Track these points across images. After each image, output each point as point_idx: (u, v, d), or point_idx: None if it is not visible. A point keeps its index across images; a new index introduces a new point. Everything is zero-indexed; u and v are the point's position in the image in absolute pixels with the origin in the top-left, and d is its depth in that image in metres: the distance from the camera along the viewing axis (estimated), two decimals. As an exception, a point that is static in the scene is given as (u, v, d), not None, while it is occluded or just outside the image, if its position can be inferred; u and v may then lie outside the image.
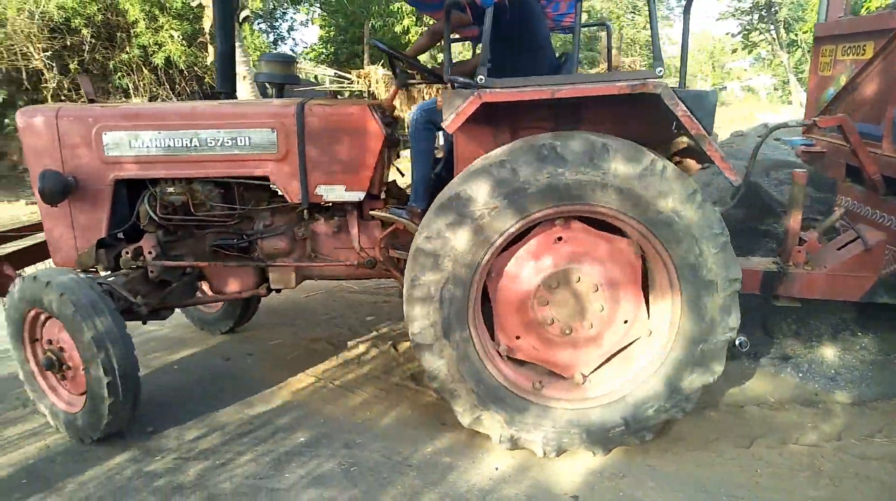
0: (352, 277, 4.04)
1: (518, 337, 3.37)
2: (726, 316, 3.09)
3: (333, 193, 3.72)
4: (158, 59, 14.04)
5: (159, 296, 3.88)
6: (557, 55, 4.14)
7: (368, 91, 14.57)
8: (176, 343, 5.02)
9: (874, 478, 3.15)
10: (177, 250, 3.95)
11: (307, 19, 23.92)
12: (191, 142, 3.69)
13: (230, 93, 4.29)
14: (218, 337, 5.12)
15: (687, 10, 3.18)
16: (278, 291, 4.13)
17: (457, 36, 5.01)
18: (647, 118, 3.09)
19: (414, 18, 17.49)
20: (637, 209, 2.98)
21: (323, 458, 3.37)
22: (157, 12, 13.70)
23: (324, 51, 21.39)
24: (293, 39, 33.71)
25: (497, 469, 3.27)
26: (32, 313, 3.51)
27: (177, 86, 14.97)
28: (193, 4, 11.51)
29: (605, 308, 3.25)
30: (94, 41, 13.92)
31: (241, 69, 9.95)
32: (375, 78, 14.58)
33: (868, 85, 4.12)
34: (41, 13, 13.02)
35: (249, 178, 3.80)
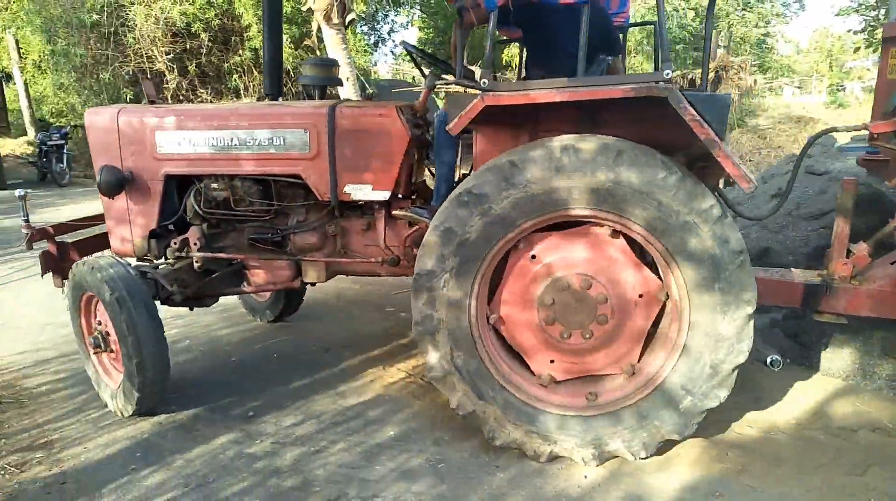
0: (378, 273, 4.13)
1: (552, 361, 3.34)
2: (725, 244, 2.90)
3: (360, 192, 3.82)
4: (268, 61, 14.75)
5: (202, 285, 4.11)
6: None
7: (465, 91, 14.66)
8: (277, 332, 5.28)
9: None
10: (219, 242, 4.17)
11: (407, 21, 24.36)
12: (231, 141, 3.88)
13: (275, 96, 4.48)
14: (317, 329, 5.33)
15: (710, 10, 3.01)
16: (313, 284, 4.28)
17: (504, 38, 4.98)
18: (666, 121, 2.90)
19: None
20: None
21: (412, 453, 3.44)
22: (268, 16, 14.39)
23: (422, 52, 21.71)
24: (393, 41, 34.47)
25: (586, 477, 3.21)
26: (86, 296, 3.81)
27: (283, 86, 15.68)
28: (304, 9, 11.99)
29: (609, 297, 3.14)
30: (210, 45, 14.83)
31: (345, 71, 10.25)
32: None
33: None
34: (165, 19, 14.02)
35: (284, 176, 3.95)
